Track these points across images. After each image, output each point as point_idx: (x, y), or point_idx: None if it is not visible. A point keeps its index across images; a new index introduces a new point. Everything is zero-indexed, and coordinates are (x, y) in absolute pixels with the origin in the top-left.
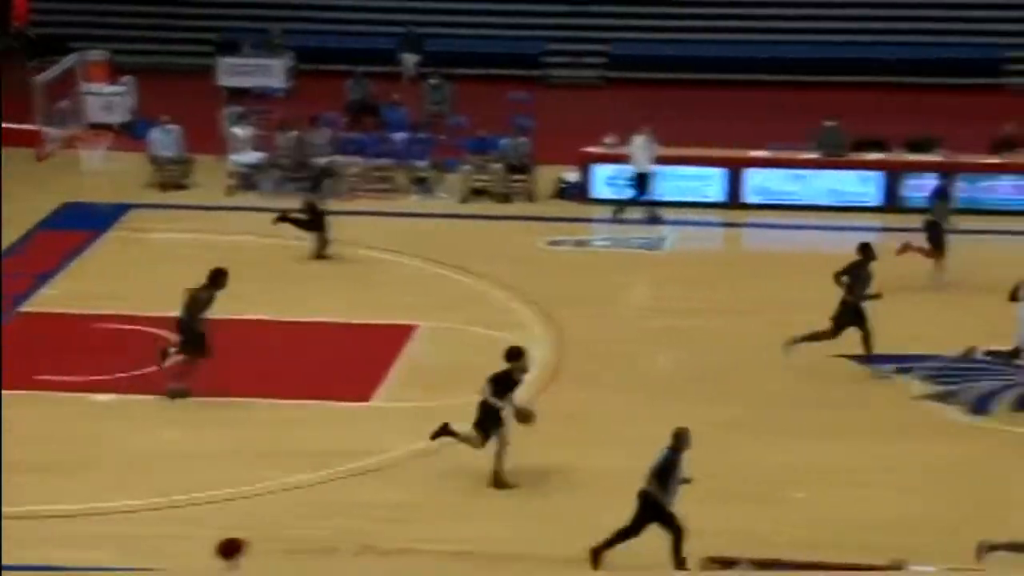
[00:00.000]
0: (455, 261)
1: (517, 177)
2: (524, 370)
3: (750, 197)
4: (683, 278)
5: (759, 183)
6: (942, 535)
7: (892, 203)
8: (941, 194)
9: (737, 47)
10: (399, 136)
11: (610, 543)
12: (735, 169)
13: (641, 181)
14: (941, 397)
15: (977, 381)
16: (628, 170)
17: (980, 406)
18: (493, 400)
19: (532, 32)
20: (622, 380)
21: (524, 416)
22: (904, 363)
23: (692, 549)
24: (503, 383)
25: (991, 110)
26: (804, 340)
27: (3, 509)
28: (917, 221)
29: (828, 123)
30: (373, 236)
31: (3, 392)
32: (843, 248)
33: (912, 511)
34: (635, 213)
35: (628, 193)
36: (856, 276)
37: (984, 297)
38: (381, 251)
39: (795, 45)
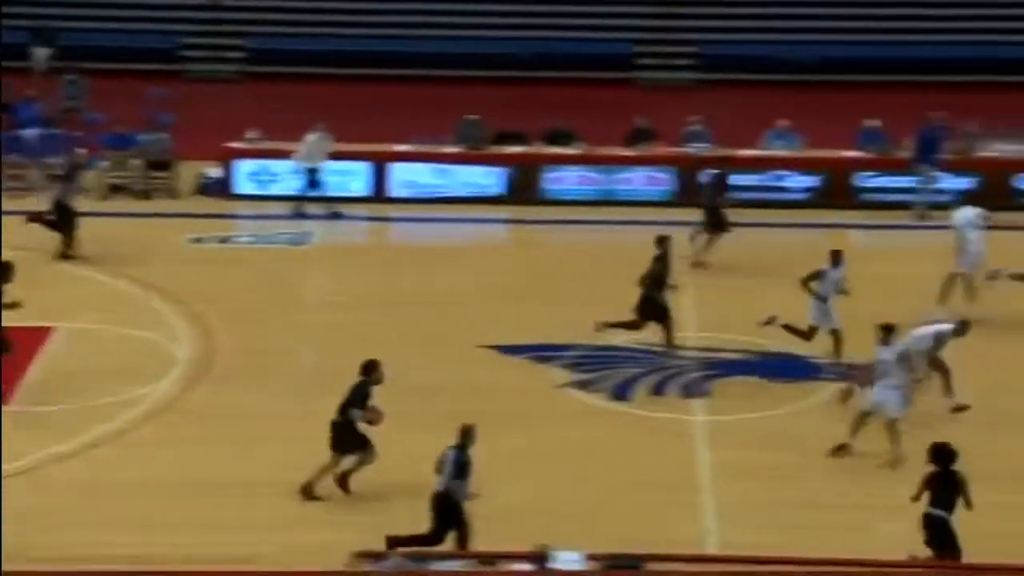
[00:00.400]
0: (95, 260)
1: (157, 174)
2: (379, 382)
3: (396, 191)
4: (329, 273)
5: (405, 177)
6: (583, 520)
7: (528, 195)
8: (717, 186)
9: (376, 42)
10: (31, 133)
11: (408, 542)
12: (380, 164)
13: (312, 176)
14: (583, 385)
15: (618, 368)
16: (300, 166)
17: (620, 392)
18: (355, 414)
19: (171, 27)
20: (269, 377)
21: (373, 417)
22: (543, 352)
23: (346, 541)
24: (360, 396)
25: (623, 104)
26: (615, 326)
27: None
28: (560, 213)
29: (469, 117)
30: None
31: None
32: (480, 239)
33: (552, 496)
34: (314, 208)
35: (305, 189)
36: (653, 269)
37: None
38: (15, 250)
39: (433, 41)
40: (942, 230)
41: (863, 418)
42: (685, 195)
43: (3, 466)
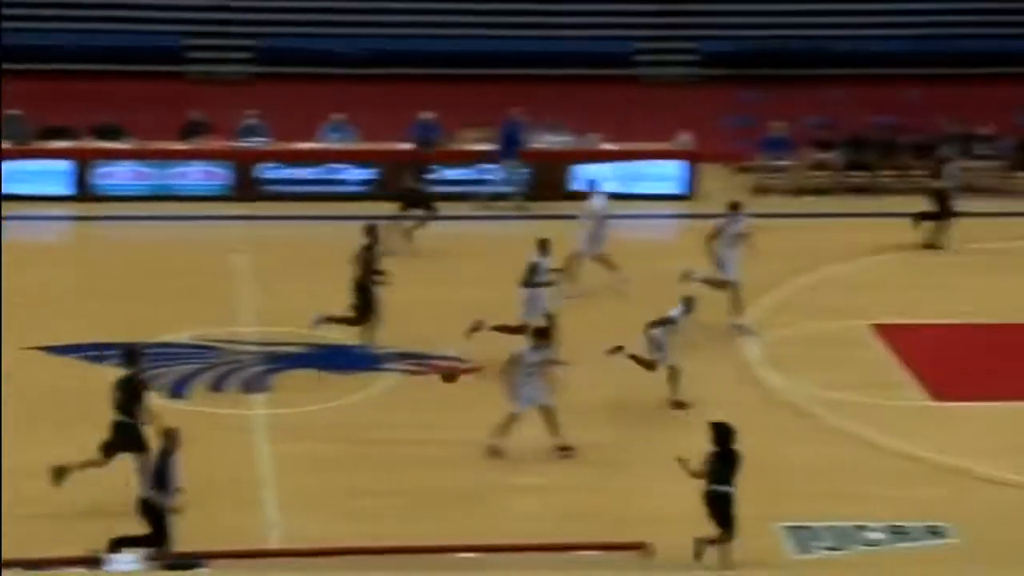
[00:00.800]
0: None
1: None
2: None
3: None
4: None
5: None
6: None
7: (83, 191)
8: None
9: None
10: None
11: (129, 543)
12: None
13: None
14: None
15: (174, 365)
16: None
17: (177, 390)
18: (125, 418)
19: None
20: None
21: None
22: (93, 351)
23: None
24: (130, 391)
25: (174, 98)
26: (332, 320)
27: None
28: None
29: (10, 112)
30: None
31: None
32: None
33: (111, 498)
34: None
35: None
36: (362, 259)
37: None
38: None
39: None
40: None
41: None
42: (239, 190)
43: None
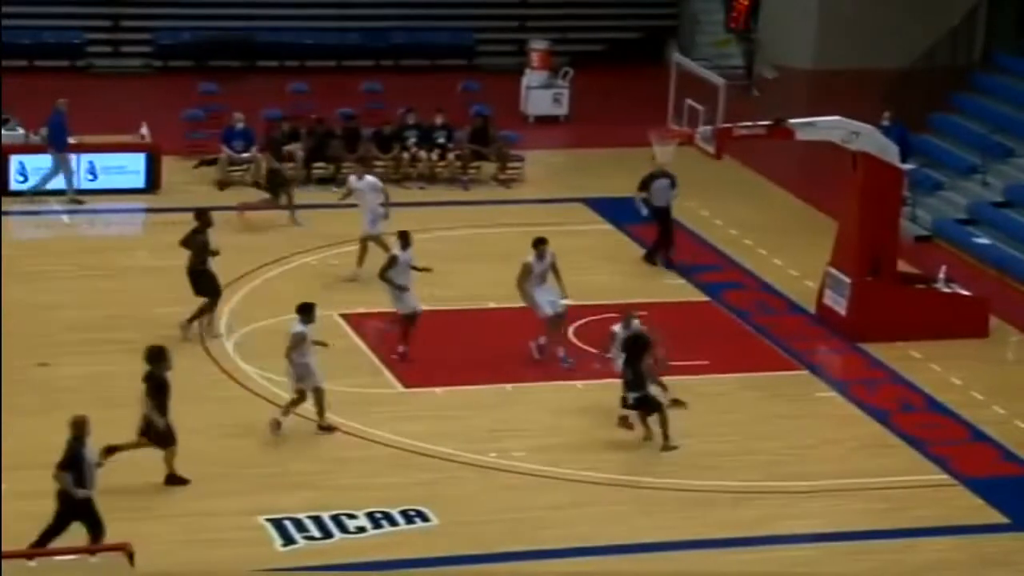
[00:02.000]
0: None
1: None
2: (169, 368)
3: None
4: None
5: None
6: None
7: None
8: None
9: None
10: None
11: (39, 543)
12: None
13: None
14: None
15: None
16: None
17: None
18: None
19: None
20: None
21: None
22: None
23: None
24: (159, 387)
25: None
26: (196, 318)
27: None
28: None
29: None
30: None
31: None
32: None
33: None
34: None
35: None
36: (196, 243)
37: None
38: None
39: None
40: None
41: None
42: None
43: None
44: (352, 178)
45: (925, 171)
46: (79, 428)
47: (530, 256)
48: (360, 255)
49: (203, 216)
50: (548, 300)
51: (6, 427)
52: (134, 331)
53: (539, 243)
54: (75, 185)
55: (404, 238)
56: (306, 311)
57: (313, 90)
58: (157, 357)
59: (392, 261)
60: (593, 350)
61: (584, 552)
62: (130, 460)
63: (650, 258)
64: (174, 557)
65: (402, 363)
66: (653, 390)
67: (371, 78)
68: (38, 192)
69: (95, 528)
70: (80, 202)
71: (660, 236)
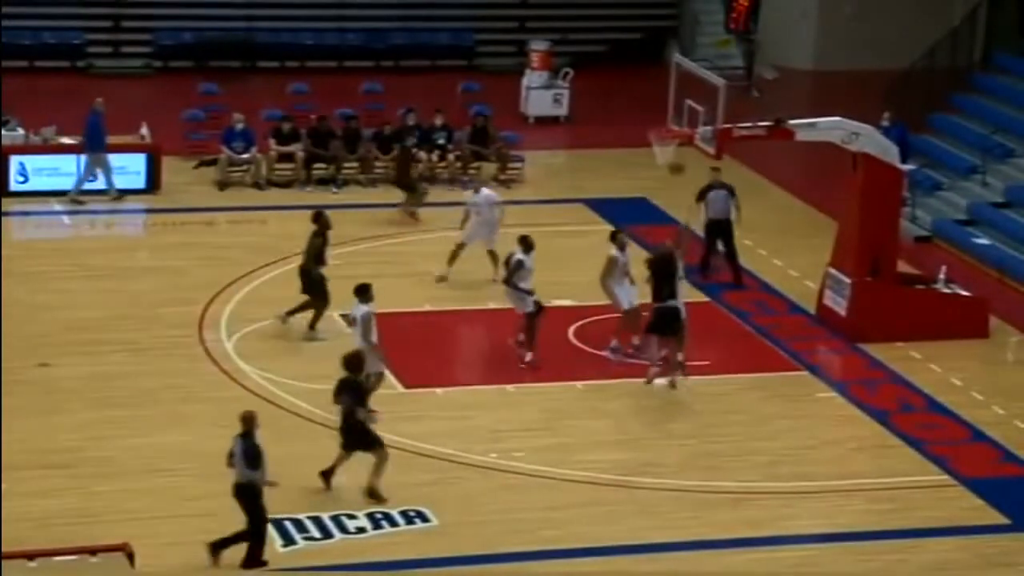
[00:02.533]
0: None
1: None
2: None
3: None
4: None
5: None
6: None
7: None
8: None
9: None
10: None
11: (255, 550)
12: None
13: None
14: None
15: None
16: None
17: None
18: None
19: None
20: None
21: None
22: None
23: None
24: (358, 393)
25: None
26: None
27: None
28: None
29: None
30: None
31: None
32: None
33: None
34: None
35: None
36: (312, 245)
37: None
38: None
39: None
40: None
41: None
42: None
43: None
44: (469, 193)
45: (925, 171)
46: (248, 423)
47: (612, 249)
48: (452, 256)
49: (321, 218)
50: (625, 295)
51: (6, 427)
52: (135, 332)
53: (616, 234)
54: (114, 184)
55: (526, 242)
56: (365, 291)
57: (313, 91)
58: (355, 365)
59: (519, 265)
60: (593, 350)
61: (584, 552)
62: (130, 460)
63: (738, 279)
64: (174, 557)
65: (405, 363)
66: None
67: (371, 79)
68: (81, 194)
69: (253, 522)
70: (119, 199)
71: (708, 249)
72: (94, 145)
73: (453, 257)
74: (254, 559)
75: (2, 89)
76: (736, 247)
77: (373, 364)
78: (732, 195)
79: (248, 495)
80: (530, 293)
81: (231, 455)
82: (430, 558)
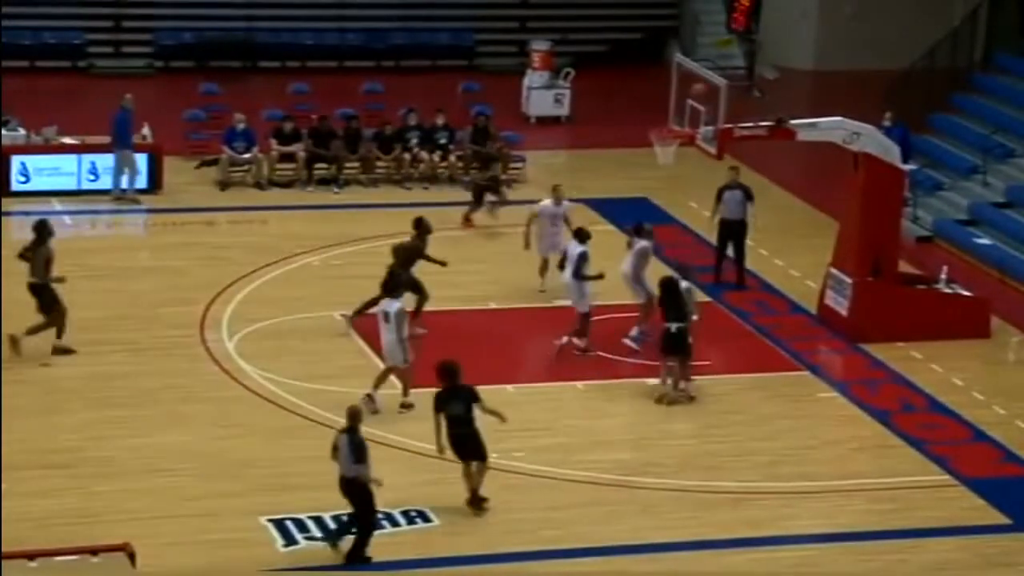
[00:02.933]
0: None
1: None
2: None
3: None
4: None
5: None
6: None
7: None
8: None
9: None
10: None
11: (362, 543)
12: None
13: None
14: None
15: None
16: None
17: None
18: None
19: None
20: None
21: None
22: None
23: None
24: (469, 400)
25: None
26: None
27: None
28: None
29: None
30: None
31: None
32: None
33: None
34: None
35: None
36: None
37: None
38: None
39: None
40: None
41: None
42: None
43: None
44: (544, 202)
45: (926, 171)
46: (354, 418)
47: (644, 240)
48: (542, 269)
49: (422, 224)
50: (646, 284)
51: (7, 427)
52: (135, 332)
53: (641, 228)
54: (135, 185)
55: (580, 234)
56: (395, 288)
57: (314, 91)
58: (452, 375)
59: (583, 258)
60: (596, 351)
61: (585, 552)
62: (131, 460)
63: (741, 279)
64: (176, 558)
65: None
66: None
67: (372, 79)
68: (123, 192)
69: (362, 516)
70: (138, 201)
71: (720, 250)
72: (122, 142)
73: (544, 269)
74: (358, 553)
75: (2, 89)
76: (745, 250)
77: (405, 357)
78: (749, 198)
79: (356, 489)
80: (600, 277)
81: (335, 449)
82: (431, 558)
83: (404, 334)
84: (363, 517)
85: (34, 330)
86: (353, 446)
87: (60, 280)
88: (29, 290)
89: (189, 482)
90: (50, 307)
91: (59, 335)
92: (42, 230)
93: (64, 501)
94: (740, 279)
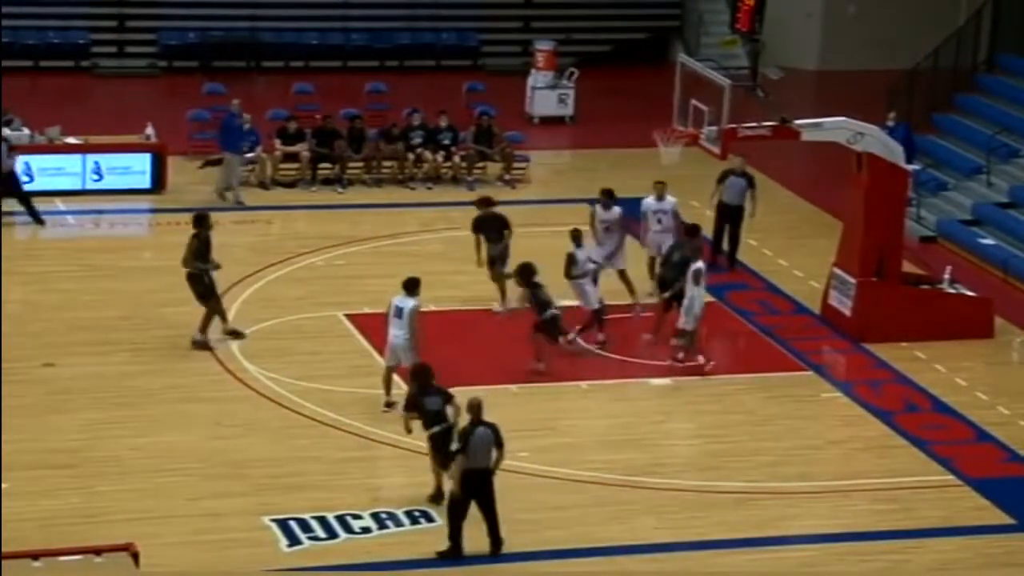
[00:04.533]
0: None
1: None
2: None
3: None
4: None
5: None
6: None
7: None
8: None
9: None
10: None
11: (495, 534)
12: None
13: None
14: None
15: None
16: None
17: None
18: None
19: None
20: None
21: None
22: None
23: None
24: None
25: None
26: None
27: None
28: None
29: None
30: None
31: None
32: None
33: None
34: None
35: None
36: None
37: None
38: None
39: None
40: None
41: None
42: None
43: None
44: (599, 208)
45: (930, 172)
46: (477, 410)
47: (699, 263)
48: (628, 284)
49: (203, 220)
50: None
51: (9, 427)
52: (139, 332)
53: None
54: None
55: (577, 236)
56: (414, 286)
57: (318, 91)
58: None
59: (572, 259)
60: (597, 351)
61: (589, 552)
62: (134, 460)
63: (733, 261)
64: (179, 558)
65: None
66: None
67: (376, 79)
68: (230, 190)
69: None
70: (242, 203)
71: (717, 234)
72: (229, 146)
73: (628, 287)
74: (498, 541)
75: (2, 89)
76: (741, 235)
77: (414, 356)
78: (751, 186)
79: (489, 480)
80: (590, 285)
81: (464, 445)
82: (433, 558)
83: (415, 333)
84: (493, 506)
85: (204, 325)
86: (494, 434)
87: (215, 267)
88: (187, 280)
89: (193, 482)
90: (206, 296)
91: (223, 320)
92: (201, 222)
93: (67, 501)
94: (732, 260)
